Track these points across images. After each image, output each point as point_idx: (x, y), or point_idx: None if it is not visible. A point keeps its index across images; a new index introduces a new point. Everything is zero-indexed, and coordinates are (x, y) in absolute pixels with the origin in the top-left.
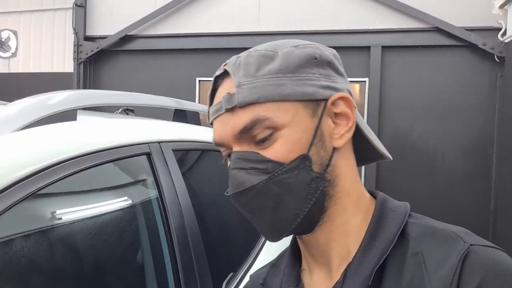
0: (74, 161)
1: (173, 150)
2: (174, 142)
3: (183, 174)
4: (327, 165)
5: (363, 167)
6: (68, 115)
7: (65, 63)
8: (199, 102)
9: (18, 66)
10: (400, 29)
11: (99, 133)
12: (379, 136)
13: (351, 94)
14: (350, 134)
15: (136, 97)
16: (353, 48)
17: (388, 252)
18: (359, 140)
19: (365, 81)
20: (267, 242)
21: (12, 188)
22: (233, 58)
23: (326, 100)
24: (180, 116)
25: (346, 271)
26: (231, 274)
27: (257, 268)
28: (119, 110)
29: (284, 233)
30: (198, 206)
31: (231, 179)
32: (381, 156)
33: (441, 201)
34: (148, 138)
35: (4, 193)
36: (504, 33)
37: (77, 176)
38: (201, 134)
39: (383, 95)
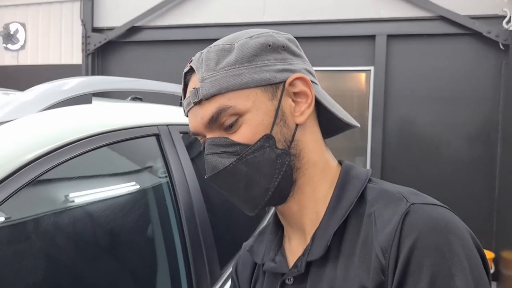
0: (89, 140)
1: (180, 133)
2: (182, 125)
3: (190, 156)
4: (291, 141)
5: (368, 157)
6: (83, 99)
7: (73, 55)
8: None
9: (27, 58)
10: (405, 17)
11: (112, 115)
12: (384, 124)
13: (311, 73)
14: (310, 110)
15: (146, 83)
16: (358, 37)
17: (346, 215)
18: (325, 114)
19: (370, 70)
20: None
21: (35, 163)
22: (197, 54)
23: (283, 82)
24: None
25: (313, 236)
26: None
27: None
28: (128, 99)
29: (258, 206)
30: (204, 185)
31: (206, 163)
32: (348, 125)
33: (446, 188)
34: (157, 121)
35: (30, 165)
36: (509, 21)
37: (92, 153)
38: None
39: (388, 83)
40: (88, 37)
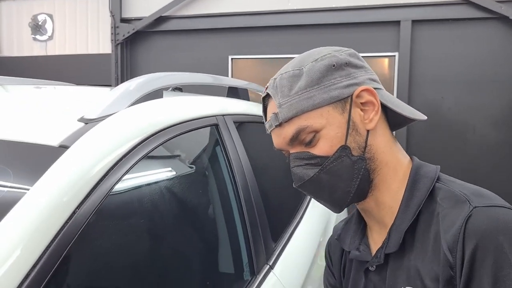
0: (166, 131)
1: (234, 122)
2: (234, 115)
3: (242, 142)
4: (365, 147)
5: None
6: (156, 94)
7: (99, 45)
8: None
9: (55, 48)
10: (430, 2)
11: (180, 108)
12: None
13: (375, 81)
14: (378, 116)
15: (202, 76)
16: (383, 23)
17: (417, 213)
18: (391, 111)
19: (394, 56)
20: (310, 203)
21: (133, 152)
22: (271, 81)
23: (350, 96)
24: (233, 92)
25: (389, 231)
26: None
27: (305, 226)
28: (169, 89)
29: (342, 206)
30: (255, 169)
31: (293, 175)
32: (412, 119)
33: (472, 173)
34: (215, 112)
35: (129, 155)
36: None
37: (168, 143)
38: (251, 108)
39: (413, 69)
40: (117, 27)
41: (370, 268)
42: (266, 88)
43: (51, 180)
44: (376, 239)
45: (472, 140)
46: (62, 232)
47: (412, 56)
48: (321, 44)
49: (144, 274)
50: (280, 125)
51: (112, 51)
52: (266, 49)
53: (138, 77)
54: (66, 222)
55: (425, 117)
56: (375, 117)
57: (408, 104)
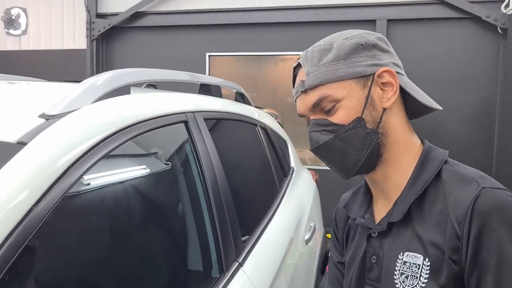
0: (133, 127)
1: (204, 119)
2: (205, 112)
3: (212, 139)
4: (379, 122)
5: None
6: (124, 90)
7: (76, 40)
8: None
9: (29, 43)
10: (405, 2)
11: (148, 105)
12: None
13: (397, 65)
14: (395, 96)
15: (176, 73)
16: (359, 22)
17: (423, 189)
18: (410, 100)
19: None
20: (283, 200)
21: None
22: (303, 53)
23: (373, 74)
24: (205, 89)
25: (395, 202)
26: None
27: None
28: (143, 86)
29: (350, 173)
30: (225, 166)
31: (310, 139)
32: (430, 109)
33: None
34: (184, 108)
35: (90, 152)
36: (507, 5)
37: (135, 140)
38: (223, 105)
39: None
40: (93, 22)
41: (372, 234)
42: (298, 59)
43: (6, 177)
44: (381, 210)
45: (446, 138)
46: (17, 231)
47: None
48: (298, 41)
49: (109, 274)
50: (305, 91)
51: (88, 46)
52: (243, 46)
53: (105, 72)
54: (21, 221)
55: (440, 108)
56: (392, 97)
57: None
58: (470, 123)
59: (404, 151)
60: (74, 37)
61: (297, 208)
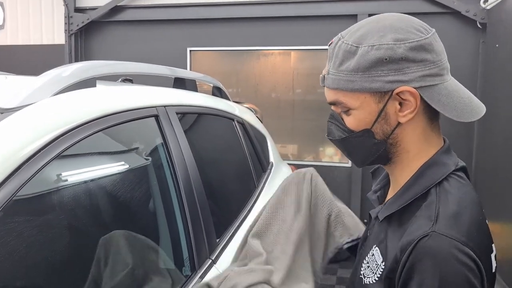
0: (98, 121)
1: (176, 113)
2: (177, 106)
3: (186, 134)
4: (390, 134)
5: None
6: (89, 83)
7: (54, 35)
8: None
9: (7, 38)
10: None
11: (116, 98)
12: None
13: (430, 76)
14: (412, 115)
15: (148, 66)
16: (340, 17)
17: (407, 203)
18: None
19: None
20: (261, 196)
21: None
22: (336, 39)
23: (392, 90)
24: (180, 83)
25: (386, 203)
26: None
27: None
28: (119, 80)
29: (362, 165)
30: (199, 162)
31: (327, 126)
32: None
33: None
34: (155, 102)
35: (45, 149)
36: (486, 0)
37: (99, 134)
38: (198, 99)
39: None
40: (71, 17)
41: (372, 215)
42: (331, 42)
43: None
44: (391, 192)
45: None
46: None
47: None
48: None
49: (76, 275)
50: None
51: (66, 41)
52: (225, 41)
53: (69, 64)
54: None
55: (471, 120)
56: (409, 115)
57: None
58: (450, 118)
59: (411, 159)
60: (52, 32)
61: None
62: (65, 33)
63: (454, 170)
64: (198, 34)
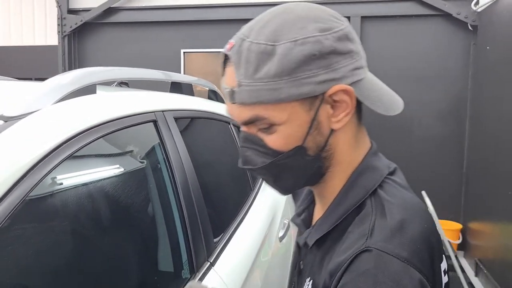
0: (99, 128)
1: (174, 118)
2: (175, 111)
3: (183, 138)
4: (324, 147)
5: None
6: (89, 90)
7: (47, 36)
8: (184, 74)
9: None
10: None
11: (115, 104)
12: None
13: (359, 67)
14: (348, 118)
15: (145, 72)
16: None
17: (339, 221)
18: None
19: None
20: (257, 198)
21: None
22: (238, 41)
23: (324, 93)
24: (176, 88)
25: (314, 224)
26: None
27: (249, 221)
28: (114, 84)
29: (287, 193)
30: (196, 165)
31: (240, 154)
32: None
33: (418, 163)
34: (153, 108)
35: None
36: (477, 3)
37: (100, 140)
38: (195, 103)
39: None
40: (64, 18)
41: (299, 242)
42: (231, 46)
43: None
44: (316, 213)
45: (418, 133)
46: None
47: None
48: None
49: (77, 278)
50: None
51: (59, 43)
52: (219, 43)
53: (71, 71)
54: None
55: (397, 112)
56: (344, 118)
57: None
58: (442, 118)
59: (342, 172)
60: (45, 33)
61: (271, 205)
62: (58, 34)
63: (388, 174)
64: (192, 36)
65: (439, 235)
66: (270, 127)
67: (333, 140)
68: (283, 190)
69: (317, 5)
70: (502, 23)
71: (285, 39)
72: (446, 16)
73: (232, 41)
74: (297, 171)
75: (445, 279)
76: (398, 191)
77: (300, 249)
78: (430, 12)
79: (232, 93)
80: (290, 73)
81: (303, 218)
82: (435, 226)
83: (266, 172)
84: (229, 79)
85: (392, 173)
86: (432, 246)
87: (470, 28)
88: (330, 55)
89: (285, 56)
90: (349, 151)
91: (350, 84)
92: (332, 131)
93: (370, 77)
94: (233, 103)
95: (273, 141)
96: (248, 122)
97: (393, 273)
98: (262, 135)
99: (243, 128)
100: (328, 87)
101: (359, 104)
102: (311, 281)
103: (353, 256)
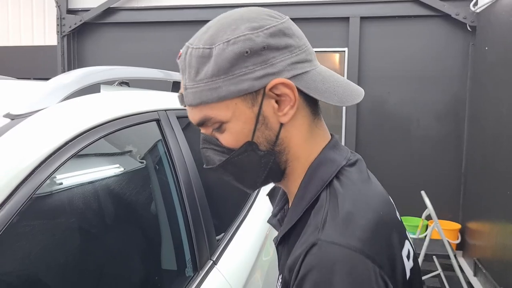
0: (104, 126)
1: (177, 117)
2: (177, 110)
3: (186, 137)
4: (275, 141)
5: (342, 134)
6: (93, 89)
7: (46, 36)
8: None
9: None
10: (378, 0)
11: (119, 103)
12: (357, 104)
13: (300, 62)
14: (293, 110)
15: (144, 71)
16: (332, 19)
17: (301, 215)
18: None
19: (344, 51)
20: (258, 196)
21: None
22: (184, 50)
23: (263, 88)
24: (178, 87)
25: (283, 223)
26: None
27: (251, 220)
28: (115, 83)
29: (251, 191)
30: (199, 164)
31: (202, 155)
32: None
33: (417, 164)
34: (156, 107)
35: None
36: (476, 3)
37: (105, 139)
38: None
39: (362, 64)
40: (63, 18)
41: (274, 242)
42: (179, 55)
43: None
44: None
45: (417, 133)
46: None
47: (361, 52)
48: None
49: (81, 275)
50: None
51: (58, 43)
52: None
53: (74, 70)
54: None
55: (355, 102)
56: (290, 111)
57: None
58: (441, 119)
59: (303, 167)
60: (44, 33)
61: None
62: (57, 34)
63: (345, 166)
64: (191, 36)
65: (399, 221)
66: (220, 126)
67: (285, 135)
68: (247, 187)
69: (258, 8)
70: (501, 24)
71: (219, 41)
72: (445, 16)
73: (181, 50)
74: (253, 167)
75: (409, 264)
76: (352, 182)
77: (277, 249)
78: (429, 13)
79: (181, 97)
80: (227, 71)
81: (279, 218)
82: (395, 214)
83: (225, 170)
84: (181, 85)
85: (352, 164)
86: (389, 234)
87: (469, 28)
88: (264, 51)
89: (219, 56)
90: (304, 144)
91: (292, 77)
92: (282, 125)
93: (320, 70)
94: (184, 106)
95: (225, 139)
96: (200, 123)
97: (345, 264)
98: (217, 135)
99: (201, 130)
100: (267, 82)
101: (312, 98)
102: (281, 277)
103: (307, 250)
